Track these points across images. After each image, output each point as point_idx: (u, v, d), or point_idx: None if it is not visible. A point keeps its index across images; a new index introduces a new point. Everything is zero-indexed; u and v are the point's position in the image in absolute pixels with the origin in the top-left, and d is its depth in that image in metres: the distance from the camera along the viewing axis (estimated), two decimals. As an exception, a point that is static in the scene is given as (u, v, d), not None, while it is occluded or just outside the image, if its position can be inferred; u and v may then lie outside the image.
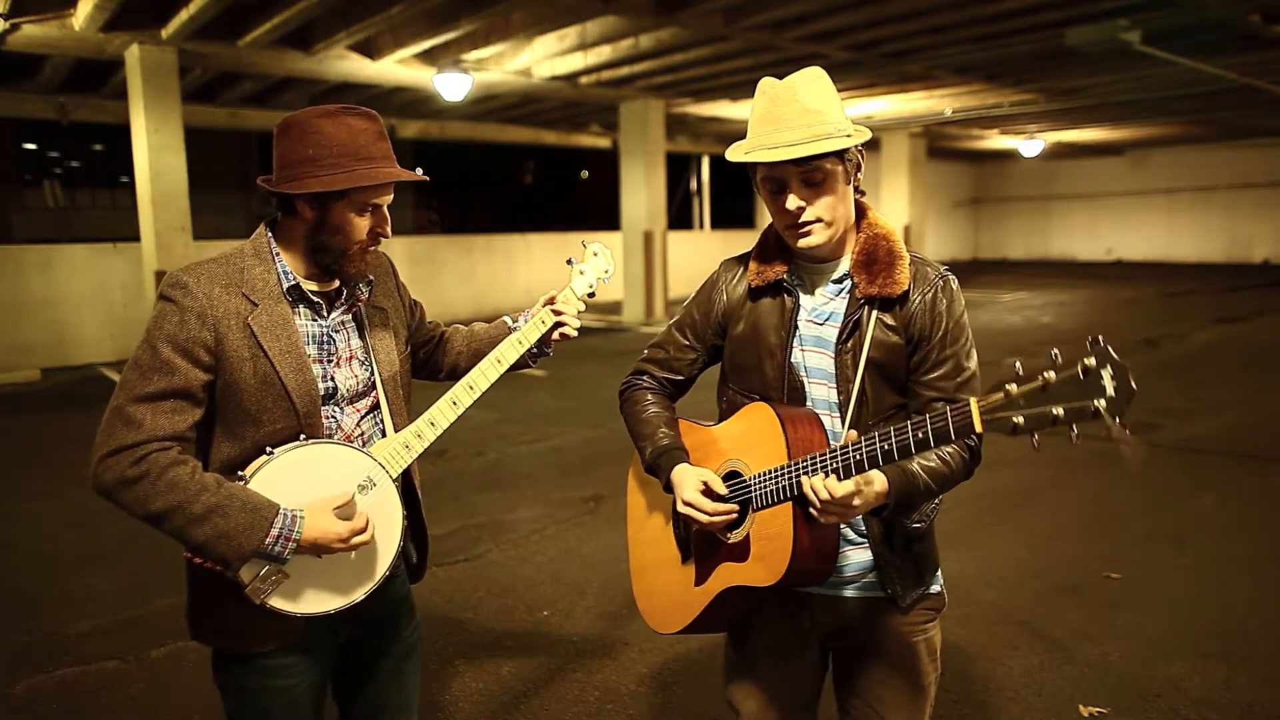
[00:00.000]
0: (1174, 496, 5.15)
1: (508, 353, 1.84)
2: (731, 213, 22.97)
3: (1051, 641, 3.44)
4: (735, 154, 1.64)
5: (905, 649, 1.72)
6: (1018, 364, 1.26)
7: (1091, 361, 1.16)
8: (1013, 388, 1.23)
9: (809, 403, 1.68)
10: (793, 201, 1.58)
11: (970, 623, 3.56)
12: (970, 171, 27.97)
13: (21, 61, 10.16)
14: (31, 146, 21.34)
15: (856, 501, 1.47)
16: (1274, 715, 2.91)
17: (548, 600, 3.93)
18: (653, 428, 1.82)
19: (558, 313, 1.91)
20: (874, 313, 1.63)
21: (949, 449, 1.57)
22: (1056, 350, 1.22)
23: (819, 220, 1.59)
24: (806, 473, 1.51)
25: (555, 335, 1.94)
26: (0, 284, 10.74)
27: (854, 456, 1.44)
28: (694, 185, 21.79)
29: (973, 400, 1.28)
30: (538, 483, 5.71)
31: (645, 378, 1.91)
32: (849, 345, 1.63)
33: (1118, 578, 4.03)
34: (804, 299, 1.70)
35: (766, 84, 1.60)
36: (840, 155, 1.58)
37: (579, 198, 28.25)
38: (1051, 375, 1.19)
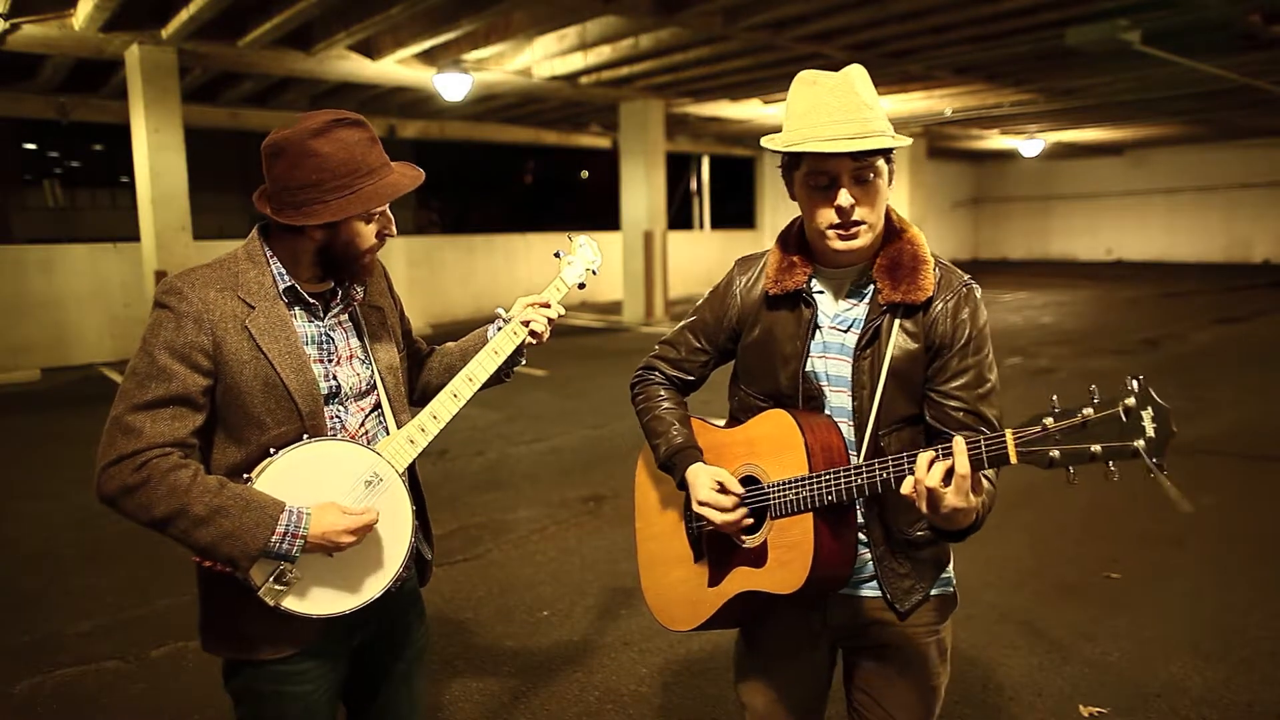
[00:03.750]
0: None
1: (504, 344, 1.83)
2: (731, 213, 22.96)
3: (1051, 641, 3.44)
4: (773, 142, 1.55)
5: (915, 649, 1.71)
6: (1054, 398, 1.26)
7: (1132, 402, 1.16)
8: (1050, 422, 1.22)
9: (827, 410, 1.65)
10: (845, 197, 1.51)
11: (970, 623, 3.55)
12: (970, 171, 27.96)
13: (21, 61, 10.16)
14: (31, 146, 21.36)
15: (962, 498, 1.32)
16: (1274, 715, 2.91)
17: (548, 600, 3.93)
18: (666, 424, 1.81)
19: (525, 322, 1.86)
20: (896, 320, 1.59)
21: (987, 474, 1.52)
22: (1095, 386, 1.23)
23: (864, 223, 1.54)
24: (829, 488, 1.50)
25: (529, 340, 1.89)
26: (0, 284, 10.75)
27: (880, 475, 1.41)
28: (694, 185, 21.75)
29: (1009, 431, 1.26)
30: (538, 483, 5.71)
31: (656, 373, 1.90)
32: (867, 353, 1.60)
33: (1118, 578, 4.03)
34: (826, 306, 1.66)
35: (815, 75, 1.53)
36: (888, 158, 1.55)
37: (579, 198, 28.26)
38: (1090, 413, 1.19)
